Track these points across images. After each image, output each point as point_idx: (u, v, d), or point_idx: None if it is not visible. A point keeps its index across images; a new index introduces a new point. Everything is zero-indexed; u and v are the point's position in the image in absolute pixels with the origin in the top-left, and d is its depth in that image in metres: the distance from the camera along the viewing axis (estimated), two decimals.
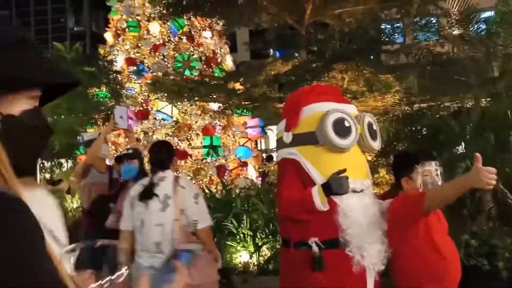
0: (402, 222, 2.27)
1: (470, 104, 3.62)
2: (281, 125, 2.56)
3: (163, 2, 7.46)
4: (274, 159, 10.72)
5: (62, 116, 7.26)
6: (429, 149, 3.15)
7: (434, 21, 6.92)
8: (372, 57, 6.56)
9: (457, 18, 4.18)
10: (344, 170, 2.18)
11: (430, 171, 2.37)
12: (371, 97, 6.51)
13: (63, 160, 10.44)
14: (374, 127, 2.46)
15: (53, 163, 10.24)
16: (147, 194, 2.77)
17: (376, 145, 2.46)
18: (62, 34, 29.47)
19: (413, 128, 3.77)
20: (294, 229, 2.32)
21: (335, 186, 2.14)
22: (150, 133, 11.11)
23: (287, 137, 2.44)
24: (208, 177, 10.87)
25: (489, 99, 3.43)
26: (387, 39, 6.75)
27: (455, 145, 3.25)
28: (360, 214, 2.20)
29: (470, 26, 3.94)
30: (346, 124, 2.29)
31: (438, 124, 3.49)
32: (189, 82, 7.29)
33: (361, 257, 2.16)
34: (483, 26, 3.98)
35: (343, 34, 6.55)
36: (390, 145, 4.07)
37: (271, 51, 14.26)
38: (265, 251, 5.04)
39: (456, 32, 4.22)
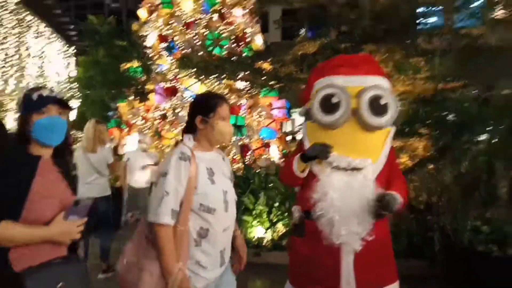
0: None
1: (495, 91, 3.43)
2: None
3: None
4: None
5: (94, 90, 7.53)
6: (447, 133, 3.05)
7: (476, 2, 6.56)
8: (404, 39, 6.30)
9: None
10: (327, 145, 2.16)
11: None
12: (400, 81, 6.31)
13: None
14: (382, 102, 2.22)
15: None
16: None
17: (378, 121, 2.20)
18: (100, 11, 30.21)
19: (432, 110, 3.63)
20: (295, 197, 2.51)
21: (309, 150, 2.23)
22: (178, 110, 11.35)
23: (302, 111, 2.46)
24: (230, 156, 11.03)
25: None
26: (421, 21, 6.46)
27: (475, 131, 3.10)
28: (336, 191, 2.13)
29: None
30: (334, 100, 2.18)
31: (459, 107, 3.35)
32: (215, 59, 7.34)
33: (329, 232, 2.16)
34: None
35: (375, 14, 6.34)
36: (407, 126, 3.97)
37: (304, 31, 13.98)
38: (280, 228, 5.12)
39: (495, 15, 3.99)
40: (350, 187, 2.15)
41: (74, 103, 7.15)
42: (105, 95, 7.38)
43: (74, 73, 7.07)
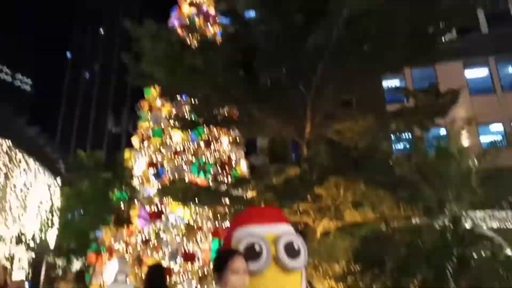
0: None
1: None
2: None
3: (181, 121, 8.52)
4: None
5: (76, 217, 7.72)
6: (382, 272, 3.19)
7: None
8: (366, 171, 6.80)
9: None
10: None
11: None
12: (368, 209, 6.59)
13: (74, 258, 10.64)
14: (296, 246, 2.53)
15: (65, 260, 10.44)
16: None
17: (293, 264, 2.49)
18: (101, 135, 32.44)
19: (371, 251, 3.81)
20: None
21: None
22: (161, 234, 11.32)
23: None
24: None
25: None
26: (381, 154, 7.08)
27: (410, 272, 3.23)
28: None
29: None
30: (257, 248, 2.47)
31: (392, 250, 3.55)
32: (193, 188, 7.74)
33: None
34: None
35: (337, 148, 7.00)
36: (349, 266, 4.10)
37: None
38: None
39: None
40: None
41: (53, 232, 7.24)
42: (85, 224, 7.54)
43: (57, 203, 7.37)
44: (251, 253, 2.44)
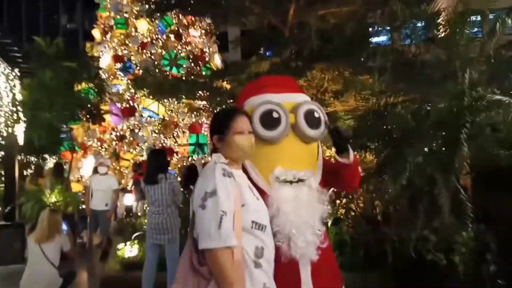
0: None
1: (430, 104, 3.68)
2: None
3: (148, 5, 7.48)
4: None
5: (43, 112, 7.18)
6: (389, 146, 3.21)
7: (418, 24, 7.05)
8: (351, 57, 6.59)
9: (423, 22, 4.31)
10: None
11: None
12: (351, 97, 6.56)
13: (47, 156, 10.37)
14: (316, 115, 2.35)
15: (37, 159, 10.17)
16: None
17: (314, 133, 2.33)
18: (55, 31, 29.30)
19: (376, 124, 3.81)
20: None
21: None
22: (136, 130, 11.10)
23: None
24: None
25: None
26: (367, 40, 6.81)
27: (413, 144, 3.27)
28: (289, 204, 2.12)
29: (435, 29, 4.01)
30: (275, 115, 2.25)
31: (396, 121, 3.56)
32: (170, 80, 7.29)
33: (288, 247, 2.12)
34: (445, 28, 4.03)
35: (323, 34, 6.61)
36: (354, 140, 4.15)
37: (262, 50, 14.23)
38: None
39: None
40: (299, 199, 2.16)
41: (20, 127, 6.76)
42: (53, 118, 7.05)
43: (19, 96, 6.68)
44: (269, 120, 2.20)
